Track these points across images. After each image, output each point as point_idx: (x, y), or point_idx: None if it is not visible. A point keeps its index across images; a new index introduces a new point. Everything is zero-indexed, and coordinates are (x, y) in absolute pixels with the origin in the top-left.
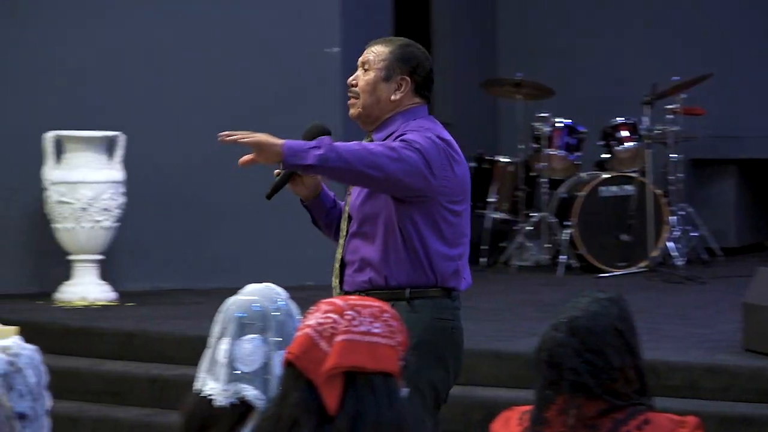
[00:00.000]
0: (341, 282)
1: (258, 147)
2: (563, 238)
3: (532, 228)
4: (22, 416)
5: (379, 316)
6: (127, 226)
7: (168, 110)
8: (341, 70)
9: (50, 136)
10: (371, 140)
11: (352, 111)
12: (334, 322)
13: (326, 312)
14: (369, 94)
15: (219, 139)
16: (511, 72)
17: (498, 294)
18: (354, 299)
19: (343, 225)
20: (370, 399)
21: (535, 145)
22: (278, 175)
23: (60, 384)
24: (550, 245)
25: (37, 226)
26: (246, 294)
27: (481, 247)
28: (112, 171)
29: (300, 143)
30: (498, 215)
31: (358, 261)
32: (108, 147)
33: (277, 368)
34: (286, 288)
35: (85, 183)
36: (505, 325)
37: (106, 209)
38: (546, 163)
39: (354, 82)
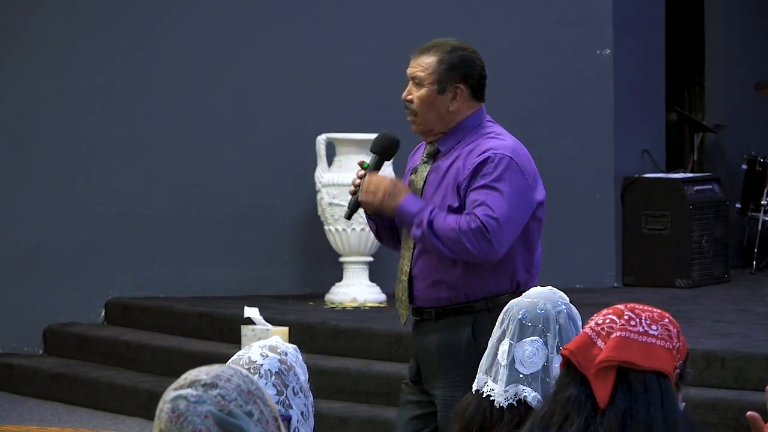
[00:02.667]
0: (411, 297)
1: (378, 203)
2: None
3: None
4: (285, 418)
5: (659, 320)
6: None
7: None
8: (613, 72)
9: (322, 138)
10: (436, 150)
11: (413, 128)
12: (612, 322)
13: (606, 314)
14: (426, 110)
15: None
16: None
17: None
18: (634, 305)
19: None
20: (642, 397)
21: None
22: (353, 193)
23: (330, 384)
24: None
25: (309, 228)
26: (530, 296)
27: (754, 250)
28: (383, 173)
29: (408, 213)
30: None
31: (433, 279)
32: None
33: (556, 371)
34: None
35: None
36: None
37: None
38: None
39: (409, 98)
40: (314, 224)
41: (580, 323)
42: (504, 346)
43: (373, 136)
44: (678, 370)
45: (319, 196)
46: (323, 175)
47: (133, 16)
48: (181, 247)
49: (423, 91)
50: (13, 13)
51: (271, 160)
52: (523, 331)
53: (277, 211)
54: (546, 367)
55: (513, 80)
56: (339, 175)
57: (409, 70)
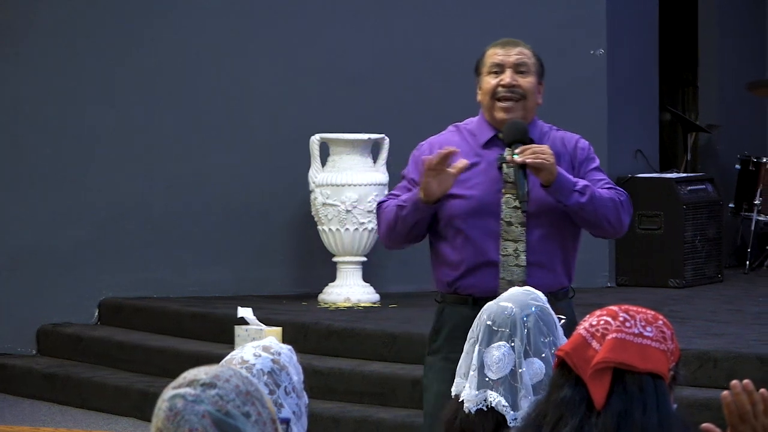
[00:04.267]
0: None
1: (542, 167)
2: None
3: None
4: (284, 421)
5: (653, 322)
6: None
7: (429, 113)
8: (606, 72)
9: (316, 138)
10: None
11: (513, 114)
12: (607, 323)
13: (600, 315)
14: (532, 96)
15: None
16: None
17: (763, 298)
18: (628, 306)
19: (514, 220)
20: (637, 398)
21: None
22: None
23: (323, 384)
24: None
25: (303, 228)
26: (502, 300)
27: (747, 250)
28: (377, 173)
29: (569, 181)
30: (763, 218)
31: (555, 264)
32: (373, 150)
33: (526, 377)
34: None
35: (350, 185)
36: None
37: (370, 211)
38: None
39: (514, 82)
40: (308, 224)
41: (555, 325)
42: (475, 351)
43: (366, 136)
44: (671, 372)
45: (312, 196)
46: (317, 175)
47: (131, 15)
48: (175, 248)
49: (532, 78)
50: (13, 12)
51: (264, 160)
52: (491, 336)
53: (270, 211)
54: (514, 372)
55: None
56: (333, 175)
57: (510, 59)
